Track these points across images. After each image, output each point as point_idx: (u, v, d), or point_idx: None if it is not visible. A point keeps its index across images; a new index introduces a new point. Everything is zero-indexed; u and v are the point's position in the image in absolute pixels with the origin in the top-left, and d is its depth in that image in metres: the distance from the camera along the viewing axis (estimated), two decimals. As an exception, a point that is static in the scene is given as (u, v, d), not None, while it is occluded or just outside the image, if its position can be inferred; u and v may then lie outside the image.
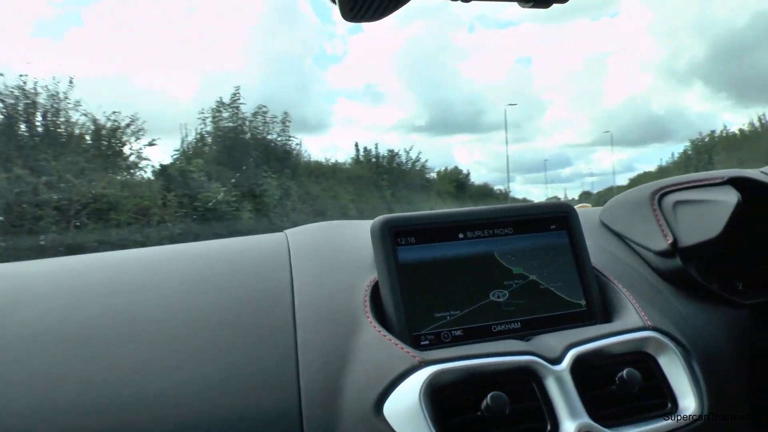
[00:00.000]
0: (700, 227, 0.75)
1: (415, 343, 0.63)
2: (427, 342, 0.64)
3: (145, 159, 11.50)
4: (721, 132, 23.19)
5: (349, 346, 0.62)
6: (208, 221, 11.06)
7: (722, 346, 0.71)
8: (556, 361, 0.60)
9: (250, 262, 0.79)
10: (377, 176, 22.68)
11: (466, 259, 0.68)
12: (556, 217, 0.73)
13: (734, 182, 0.77)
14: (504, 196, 39.99)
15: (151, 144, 11.51)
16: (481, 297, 0.67)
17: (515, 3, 0.43)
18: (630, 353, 0.64)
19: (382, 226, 0.67)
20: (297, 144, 18.03)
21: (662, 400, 0.62)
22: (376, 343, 0.61)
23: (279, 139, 17.00)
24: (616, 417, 0.59)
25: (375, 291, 0.68)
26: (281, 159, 16.29)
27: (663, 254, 0.77)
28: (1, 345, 0.64)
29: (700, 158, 23.23)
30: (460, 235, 0.69)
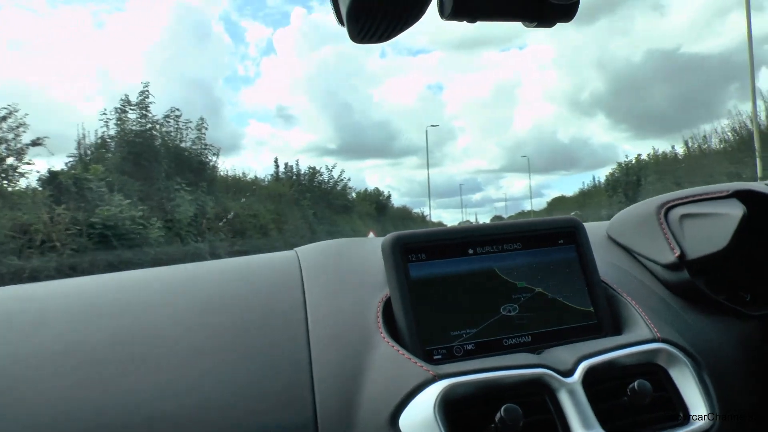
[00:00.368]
0: (707, 240, 0.76)
1: (427, 358, 0.64)
2: (439, 356, 0.65)
3: (28, 163, 9.44)
4: (648, 155, 23.80)
5: (363, 361, 0.63)
6: (107, 241, 9.16)
7: (732, 357, 0.71)
8: (568, 373, 0.61)
9: (262, 280, 0.79)
10: (299, 195, 21.25)
11: (476, 274, 0.69)
12: (564, 232, 0.73)
13: (739, 195, 0.79)
14: (422, 219, 39.23)
15: (36, 143, 9.47)
16: (492, 311, 0.68)
17: (519, 23, 0.45)
18: (640, 365, 0.64)
19: (393, 243, 0.68)
20: (214, 154, 16.06)
21: (673, 412, 0.62)
22: (389, 358, 0.62)
23: (194, 147, 15.07)
24: (628, 428, 0.60)
25: (387, 307, 0.68)
26: (196, 170, 14.43)
27: (670, 267, 0.78)
28: (19, 366, 0.64)
29: (628, 180, 23.33)
30: (470, 251, 0.70)
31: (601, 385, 0.61)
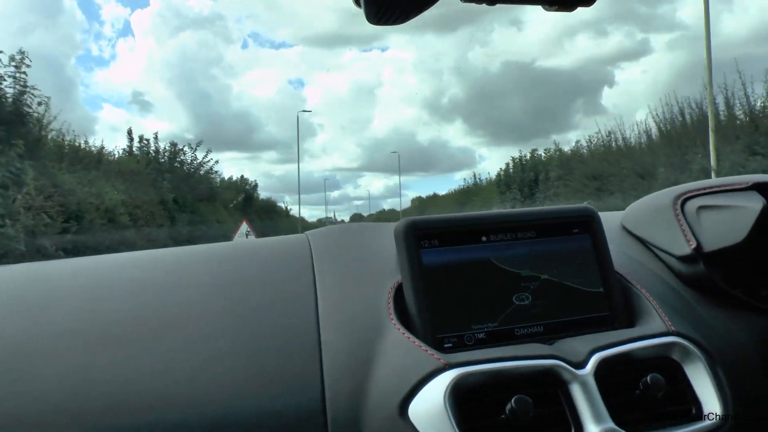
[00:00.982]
0: (724, 232, 0.75)
1: (438, 346, 0.63)
2: (450, 345, 0.64)
3: None
4: (546, 151, 23.83)
5: (373, 348, 0.63)
6: None
7: (747, 352, 0.71)
8: (580, 365, 0.60)
9: (273, 263, 0.79)
10: (157, 174, 17.18)
11: (489, 262, 0.68)
12: (579, 221, 0.72)
13: (759, 187, 0.77)
14: (286, 213, 37.79)
15: None
16: (505, 300, 0.67)
17: (539, 6, 0.45)
18: (654, 358, 0.64)
19: (406, 229, 0.67)
20: (42, 103, 11.28)
21: (686, 406, 0.62)
22: (400, 346, 0.62)
23: (8, 88, 10.34)
24: (640, 422, 0.60)
25: (399, 293, 0.68)
26: (9, 122, 9.87)
27: (686, 259, 0.76)
28: (30, 344, 0.66)
29: (524, 177, 22.93)
30: (483, 239, 0.69)
31: (614, 378, 0.61)
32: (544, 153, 23.30)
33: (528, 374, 0.59)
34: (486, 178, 30.71)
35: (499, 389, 0.58)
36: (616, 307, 0.69)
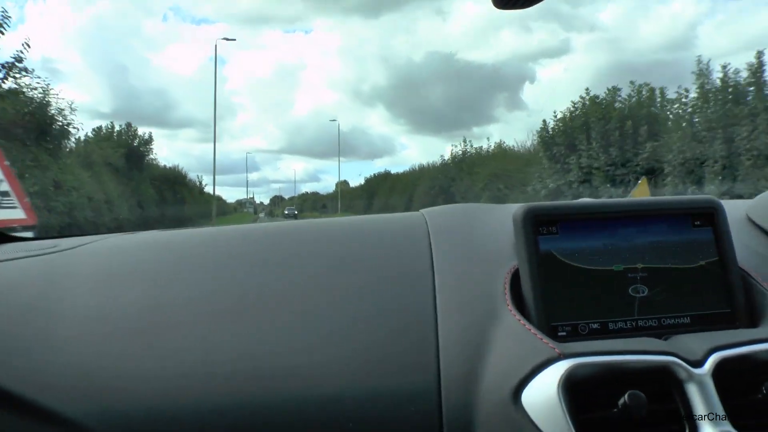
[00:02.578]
0: None
1: (552, 334, 0.63)
2: (564, 333, 0.64)
3: None
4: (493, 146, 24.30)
5: (489, 332, 0.62)
6: None
7: None
8: (698, 363, 0.58)
9: (390, 241, 0.79)
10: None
11: (607, 252, 0.67)
12: (702, 213, 0.69)
13: None
14: (200, 190, 35.12)
15: None
16: (621, 291, 0.66)
17: None
18: None
19: (524, 215, 0.67)
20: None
21: None
22: (515, 332, 0.61)
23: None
24: (760, 429, 0.57)
25: (515, 279, 0.67)
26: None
27: None
28: (161, 312, 0.68)
29: (461, 167, 23.64)
30: (602, 227, 0.67)
31: (733, 380, 0.57)
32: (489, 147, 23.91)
33: (642, 369, 0.58)
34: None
35: (613, 382, 0.57)
36: (738, 304, 0.66)
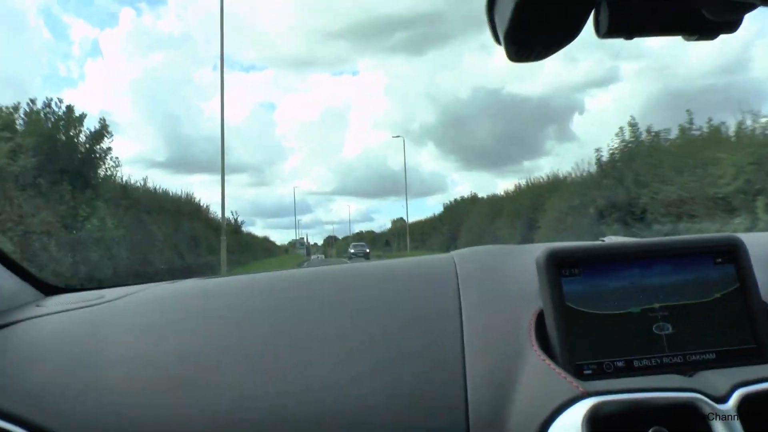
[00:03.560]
0: None
1: (577, 373, 0.63)
2: (589, 371, 0.64)
3: None
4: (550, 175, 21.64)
5: (515, 372, 0.63)
6: None
7: None
8: (722, 400, 0.58)
9: (420, 284, 0.81)
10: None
11: (629, 291, 0.67)
12: (723, 250, 0.69)
13: None
14: (234, 228, 32.90)
15: None
16: (645, 329, 0.66)
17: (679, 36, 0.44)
18: None
19: (547, 257, 0.67)
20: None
21: None
22: (540, 372, 0.62)
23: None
24: None
25: (539, 319, 0.68)
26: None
27: None
28: (199, 357, 0.71)
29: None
30: (624, 267, 0.68)
31: (758, 417, 0.57)
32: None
33: (666, 406, 0.58)
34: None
35: (637, 420, 0.57)
36: (763, 340, 0.66)
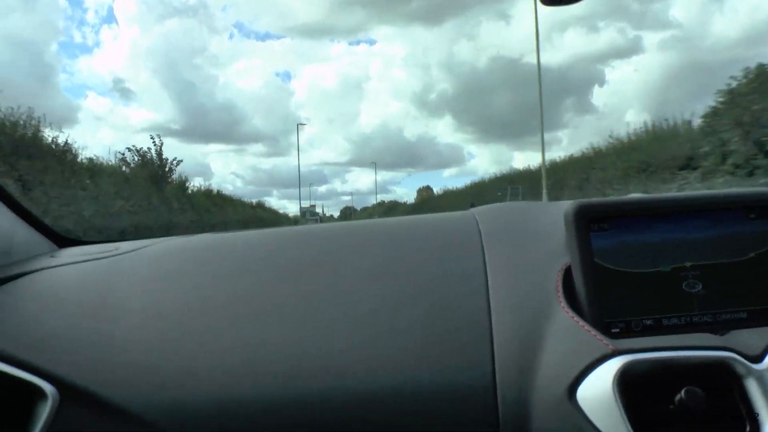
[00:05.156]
0: None
1: (606, 331, 0.62)
2: (617, 330, 0.62)
3: None
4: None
5: (543, 329, 0.62)
6: None
7: None
8: (757, 359, 0.56)
9: (442, 241, 0.79)
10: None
11: (659, 247, 0.65)
12: (758, 206, 0.67)
13: None
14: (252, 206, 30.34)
15: None
16: (675, 286, 0.64)
17: None
18: None
19: (576, 212, 0.66)
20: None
21: None
22: (568, 329, 0.61)
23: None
24: None
25: (567, 275, 0.67)
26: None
27: None
28: (210, 312, 0.70)
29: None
30: (655, 223, 0.66)
31: None
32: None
33: (699, 365, 0.57)
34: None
35: (669, 379, 0.56)
36: None
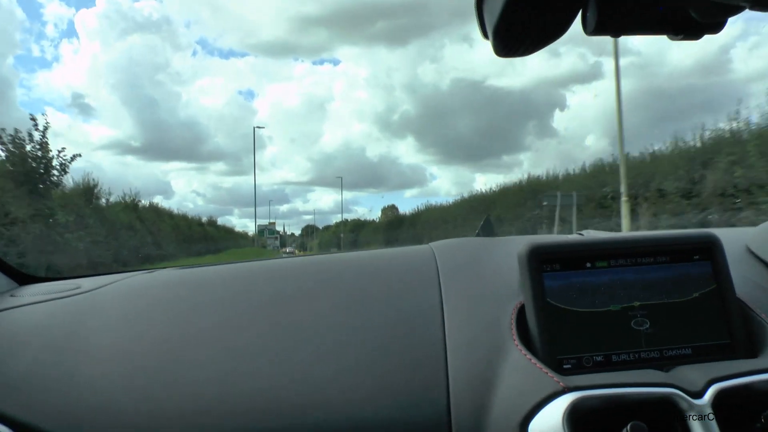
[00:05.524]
0: None
1: (558, 367, 0.64)
2: (569, 366, 0.65)
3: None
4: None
5: (497, 366, 0.63)
6: None
7: None
8: (698, 395, 0.59)
9: (400, 275, 0.81)
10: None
11: (609, 286, 0.68)
12: (700, 247, 0.71)
13: None
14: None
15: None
16: (623, 324, 0.67)
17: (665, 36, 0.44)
18: None
19: (529, 253, 0.67)
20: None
21: None
22: (522, 366, 0.62)
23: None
24: None
25: (521, 314, 0.68)
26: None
27: None
28: (182, 349, 0.70)
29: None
30: (604, 263, 0.69)
31: (732, 410, 0.58)
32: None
33: (644, 401, 0.59)
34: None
35: (616, 414, 0.58)
36: (737, 335, 0.67)
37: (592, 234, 0.95)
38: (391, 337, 0.70)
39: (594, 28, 0.41)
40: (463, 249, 0.86)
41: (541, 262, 0.68)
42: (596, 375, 0.61)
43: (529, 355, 0.63)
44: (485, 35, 0.44)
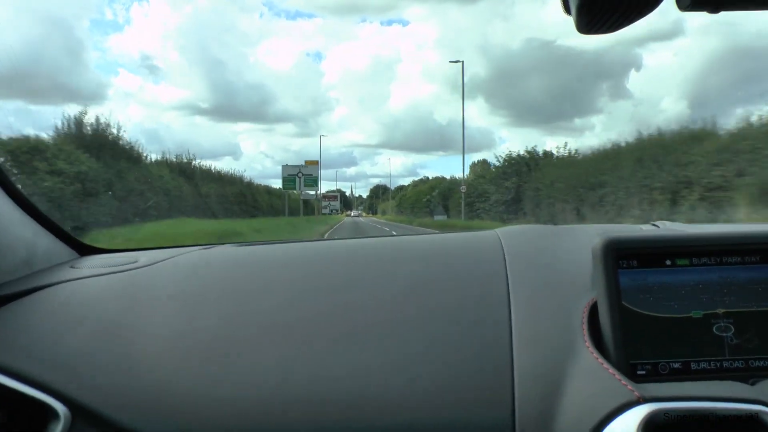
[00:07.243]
0: None
1: (631, 373, 0.60)
2: (643, 372, 0.61)
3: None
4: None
5: (565, 369, 0.60)
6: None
7: None
8: None
9: (465, 262, 0.78)
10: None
11: (691, 287, 0.63)
12: None
13: None
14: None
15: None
16: (704, 329, 0.62)
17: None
18: None
19: (604, 248, 0.63)
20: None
21: None
22: (593, 371, 0.59)
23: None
24: None
25: (592, 311, 0.65)
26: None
27: None
28: (241, 331, 0.69)
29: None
30: (687, 261, 0.64)
31: None
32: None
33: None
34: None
35: (694, 428, 0.55)
36: None
37: (668, 226, 0.88)
38: (455, 327, 0.67)
39: (690, 4, 0.38)
40: (532, 236, 0.83)
41: (617, 258, 0.63)
42: (674, 384, 0.57)
43: (601, 359, 0.59)
44: (567, 10, 0.41)
